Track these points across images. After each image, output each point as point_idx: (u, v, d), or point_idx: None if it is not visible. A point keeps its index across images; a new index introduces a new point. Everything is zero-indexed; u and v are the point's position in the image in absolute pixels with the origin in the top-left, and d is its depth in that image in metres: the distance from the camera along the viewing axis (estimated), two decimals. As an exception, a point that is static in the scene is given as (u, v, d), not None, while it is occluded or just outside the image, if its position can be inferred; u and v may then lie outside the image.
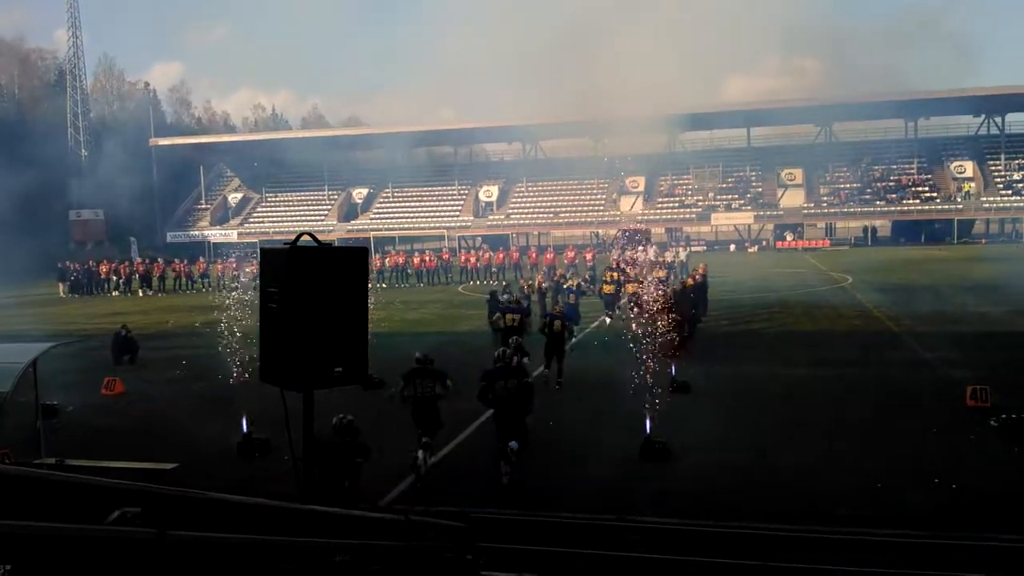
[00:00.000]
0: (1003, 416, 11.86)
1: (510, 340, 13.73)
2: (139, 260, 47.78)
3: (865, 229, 65.00)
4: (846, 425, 12.47)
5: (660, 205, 68.15)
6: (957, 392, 13.48)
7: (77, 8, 77.56)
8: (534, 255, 43.92)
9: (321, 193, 76.36)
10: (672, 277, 22.01)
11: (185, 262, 46.07)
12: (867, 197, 63.98)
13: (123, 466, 10.86)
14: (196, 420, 13.86)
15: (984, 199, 61.49)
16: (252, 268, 40.14)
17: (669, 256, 37.19)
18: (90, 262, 46.17)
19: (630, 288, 23.22)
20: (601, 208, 67.97)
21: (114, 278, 44.04)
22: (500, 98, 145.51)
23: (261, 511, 3.53)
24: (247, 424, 11.77)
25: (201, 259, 49.37)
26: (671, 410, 12.12)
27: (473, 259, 43.87)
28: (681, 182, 69.77)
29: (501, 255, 43.48)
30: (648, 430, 11.04)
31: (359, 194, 74.60)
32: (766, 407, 13.72)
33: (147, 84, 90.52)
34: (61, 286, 43.54)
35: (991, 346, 18.51)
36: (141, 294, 42.02)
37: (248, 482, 10.22)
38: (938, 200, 62.23)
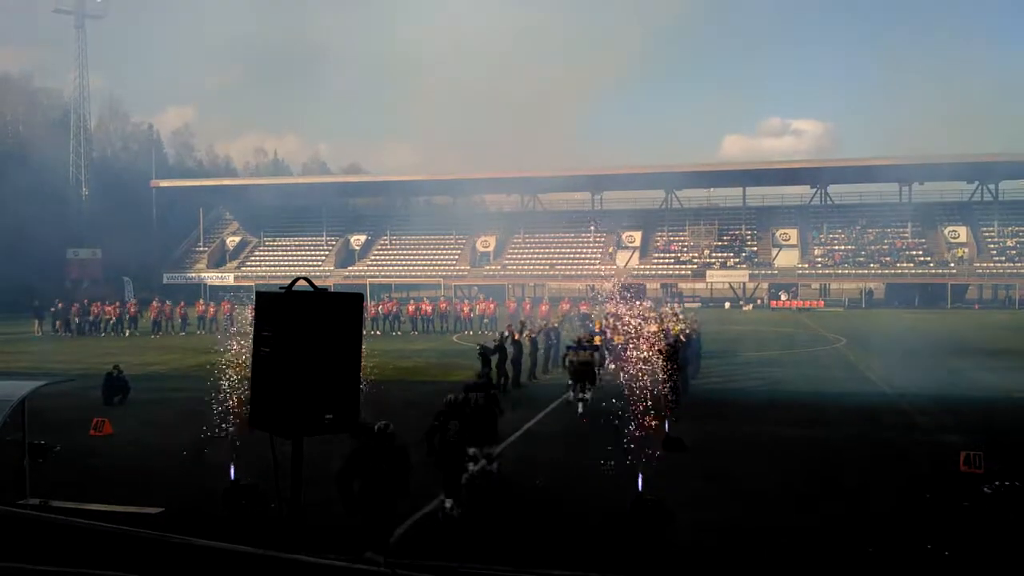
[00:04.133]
0: (996, 483, 11.79)
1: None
2: (132, 301, 47.21)
3: (861, 291, 65.26)
4: (838, 487, 12.39)
5: (656, 260, 68.45)
6: (950, 457, 13.41)
7: (85, 48, 78.60)
8: (528, 307, 43.93)
9: (319, 239, 76.59)
10: (668, 330, 22.05)
11: (183, 304, 45.95)
12: (861, 259, 64.39)
13: (108, 509, 10.72)
14: (184, 464, 13.72)
15: (977, 264, 61.87)
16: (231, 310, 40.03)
17: (677, 309, 37.32)
18: (85, 300, 45.87)
19: (618, 339, 23.31)
20: (597, 261, 68.22)
21: (87, 318, 43.29)
22: (500, 150, 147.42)
23: (245, 559, 3.49)
24: (234, 470, 11.63)
25: (200, 301, 49.15)
26: (663, 467, 12.03)
27: (467, 308, 43.94)
28: (677, 238, 70.18)
29: (494, 305, 43.54)
30: (640, 487, 10.94)
31: (357, 241, 74.83)
32: (758, 467, 13.64)
33: (151, 126, 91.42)
34: (36, 323, 43.22)
35: (985, 411, 18.46)
36: (128, 334, 41.71)
37: (233, 529, 10.07)
38: (932, 264, 62.58)
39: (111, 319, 43.02)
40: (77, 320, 43.02)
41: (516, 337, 23.55)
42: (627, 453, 11.22)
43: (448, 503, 10.80)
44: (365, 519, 8.76)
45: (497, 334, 22.79)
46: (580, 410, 18.20)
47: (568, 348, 20.77)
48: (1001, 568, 9.18)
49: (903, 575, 9.03)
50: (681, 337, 21.71)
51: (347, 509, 8.64)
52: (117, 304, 45.24)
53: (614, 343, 23.61)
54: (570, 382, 19.60)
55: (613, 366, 21.69)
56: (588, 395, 18.55)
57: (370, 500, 8.71)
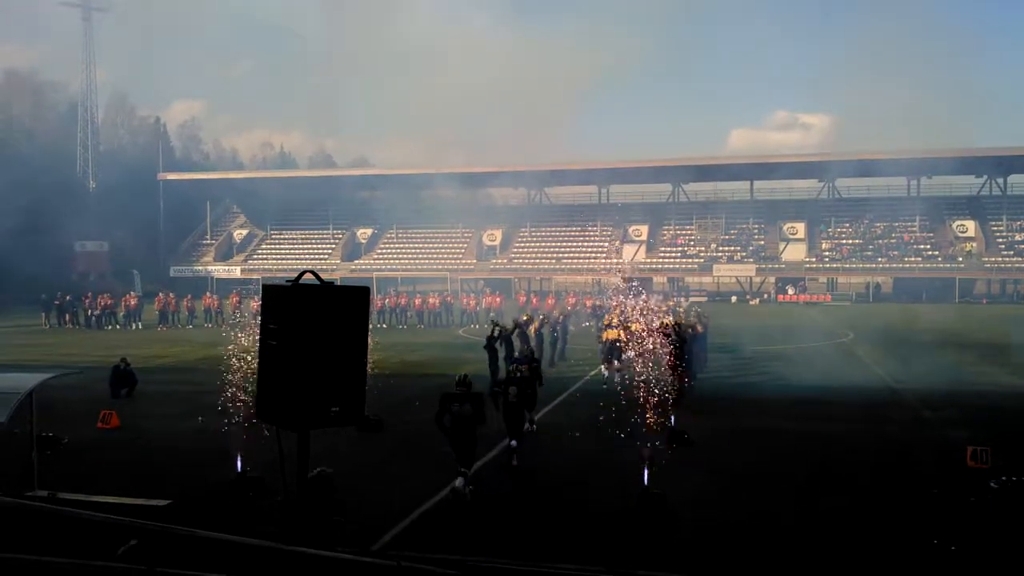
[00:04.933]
0: (1003, 478, 11.75)
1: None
2: (132, 294, 46.92)
3: (868, 285, 65.09)
4: (845, 482, 12.37)
5: (663, 254, 68.36)
6: (957, 452, 13.37)
7: (91, 41, 78.79)
8: (535, 300, 43.93)
9: (326, 232, 76.68)
10: (677, 325, 22.08)
11: (189, 296, 46.02)
12: (869, 253, 64.19)
13: (115, 501, 10.76)
14: (191, 457, 13.77)
15: (985, 259, 61.64)
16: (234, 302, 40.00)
17: (683, 303, 37.36)
18: (90, 293, 45.90)
19: (632, 328, 23.35)
20: (604, 255, 68.21)
21: (95, 312, 43.26)
22: (508, 143, 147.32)
23: (250, 551, 3.51)
24: (241, 463, 11.67)
25: (207, 294, 49.25)
26: (669, 461, 12.03)
27: (473, 302, 43.93)
28: (684, 232, 70.08)
29: (500, 298, 43.53)
30: (646, 481, 10.93)
31: (363, 234, 74.89)
32: (763, 461, 13.63)
33: (158, 119, 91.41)
34: (44, 316, 43.37)
35: (992, 407, 18.40)
36: (134, 327, 41.66)
37: (240, 522, 10.11)
38: (940, 259, 62.38)
39: (119, 311, 43.01)
40: (87, 313, 43.12)
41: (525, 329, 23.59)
42: (633, 446, 11.23)
43: (514, 443, 13.15)
44: (453, 448, 11.20)
45: (502, 324, 22.76)
46: (616, 379, 20.29)
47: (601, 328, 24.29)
48: (1008, 564, 9.16)
49: (910, 570, 9.01)
50: (689, 330, 21.66)
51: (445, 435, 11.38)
52: (127, 295, 45.08)
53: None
54: (601, 357, 23.47)
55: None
56: (617, 369, 21.31)
57: (457, 433, 11.11)
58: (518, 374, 14.25)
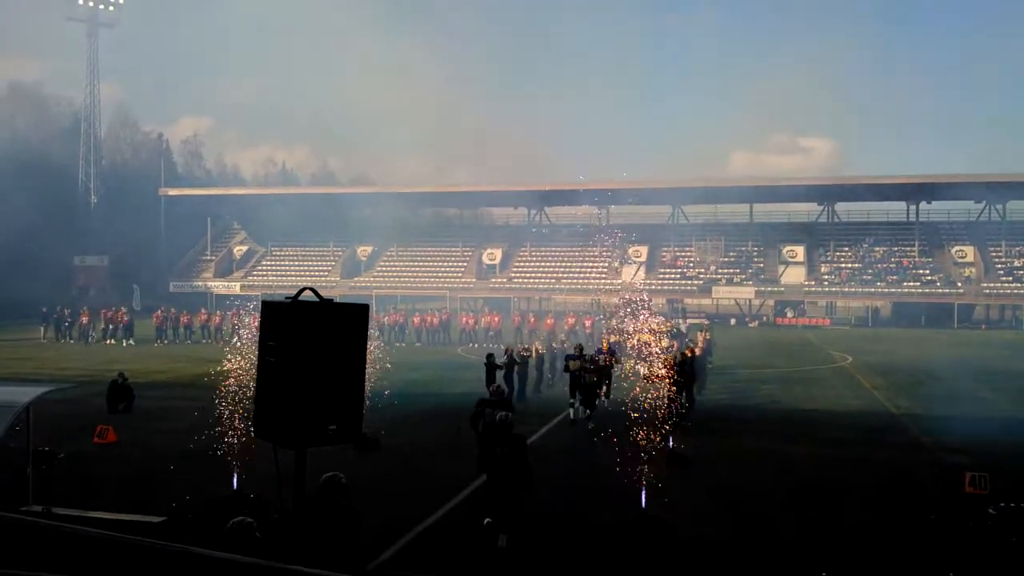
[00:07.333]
0: (1002, 504, 11.70)
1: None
2: (123, 309, 46.12)
3: (867, 309, 65.03)
4: (843, 508, 12.31)
5: (662, 276, 68.38)
6: (955, 478, 13.33)
7: (96, 56, 79.17)
8: (533, 320, 43.86)
9: (326, 249, 76.66)
10: (675, 347, 22.09)
11: (186, 312, 45.93)
12: (868, 278, 64.21)
13: (110, 517, 10.70)
14: (187, 473, 13.71)
15: (984, 284, 61.65)
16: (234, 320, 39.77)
17: (682, 325, 37.45)
18: (85, 308, 45.69)
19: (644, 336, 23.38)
20: (603, 276, 68.22)
21: (101, 326, 43.13)
22: (508, 162, 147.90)
23: (245, 570, 3.49)
24: (237, 480, 11.62)
25: (203, 310, 49.16)
26: (668, 483, 11.98)
27: (472, 321, 43.84)
28: (684, 254, 70.12)
29: (499, 318, 43.44)
30: (643, 503, 10.89)
31: (363, 252, 74.86)
32: (761, 484, 13.58)
33: (160, 134, 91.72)
34: (43, 330, 43.29)
35: (991, 432, 18.33)
36: (124, 344, 41.14)
37: (235, 540, 10.04)
38: (939, 284, 62.40)
39: (111, 327, 42.65)
40: (104, 326, 42.96)
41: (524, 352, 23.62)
42: (631, 468, 11.18)
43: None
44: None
45: (505, 353, 22.87)
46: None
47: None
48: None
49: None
50: (687, 352, 21.65)
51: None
52: (117, 311, 44.71)
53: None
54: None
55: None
56: None
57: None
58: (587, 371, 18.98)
